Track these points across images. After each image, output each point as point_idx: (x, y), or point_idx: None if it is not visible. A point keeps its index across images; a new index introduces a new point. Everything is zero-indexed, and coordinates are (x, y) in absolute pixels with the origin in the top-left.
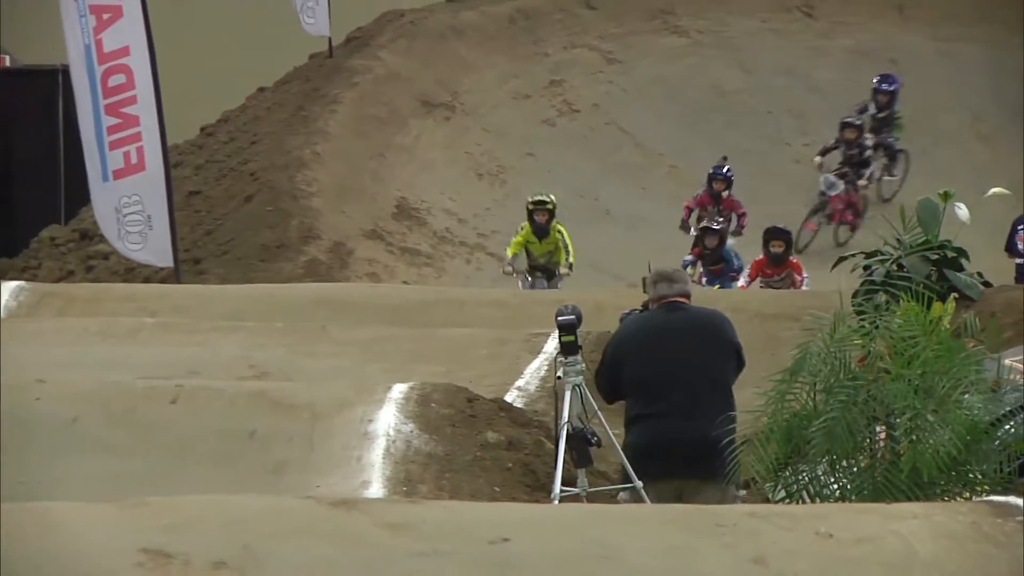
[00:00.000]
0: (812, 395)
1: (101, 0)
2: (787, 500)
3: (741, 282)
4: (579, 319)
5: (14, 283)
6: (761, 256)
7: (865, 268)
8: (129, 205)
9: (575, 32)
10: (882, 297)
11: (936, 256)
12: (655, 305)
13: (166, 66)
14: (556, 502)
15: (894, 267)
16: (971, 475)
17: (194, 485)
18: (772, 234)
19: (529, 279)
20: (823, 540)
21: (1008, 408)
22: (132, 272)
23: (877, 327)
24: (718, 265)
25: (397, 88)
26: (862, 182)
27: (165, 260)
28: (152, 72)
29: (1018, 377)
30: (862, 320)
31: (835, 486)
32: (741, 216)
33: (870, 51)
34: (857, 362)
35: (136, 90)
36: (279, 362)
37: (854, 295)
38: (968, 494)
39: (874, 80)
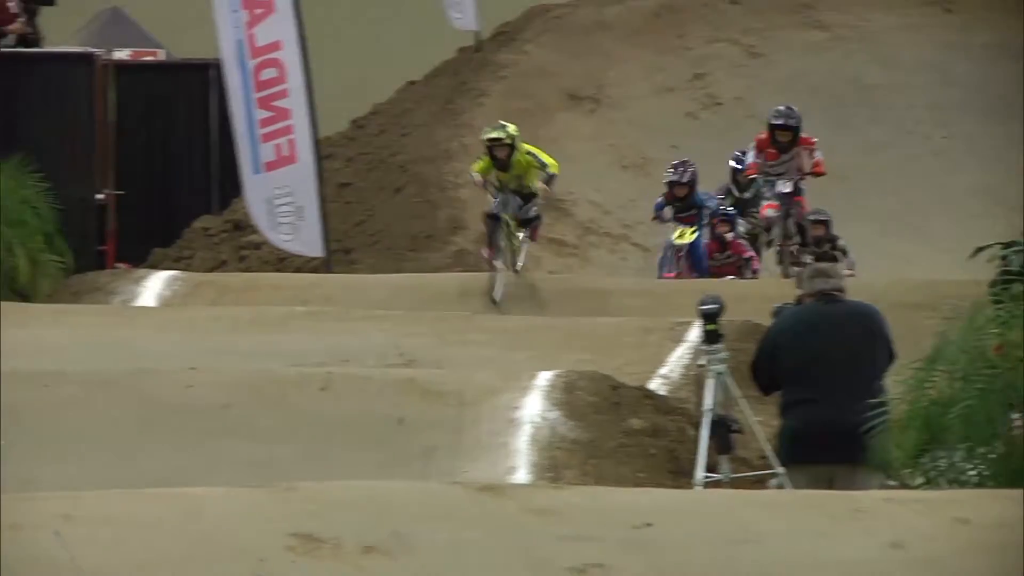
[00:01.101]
0: (950, 383)
1: None
2: (925, 486)
3: (750, 158)
4: (722, 308)
5: (169, 272)
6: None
7: (1002, 258)
8: (280, 196)
9: (718, 26)
10: (1019, 287)
11: None
12: (810, 299)
13: (317, 60)
14: (699, 488)
15: None
16: None
17: (343, 471)
18: (776, 127)
19: (491, 201)
20: (960, 525)
21: None
22: (283, 262)
23: (1014, 316)
24: (690, 212)
25: (543, 82)
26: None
27: (316, 250)
28: (303, 66)
29: None
30: (999, 309)
31: (972, 472)
32: (751, 259)
33: (1009, 45)
34: (994, 350)
35: (288, 84)
36: (427, 350)
37: (991, 284)
38: None
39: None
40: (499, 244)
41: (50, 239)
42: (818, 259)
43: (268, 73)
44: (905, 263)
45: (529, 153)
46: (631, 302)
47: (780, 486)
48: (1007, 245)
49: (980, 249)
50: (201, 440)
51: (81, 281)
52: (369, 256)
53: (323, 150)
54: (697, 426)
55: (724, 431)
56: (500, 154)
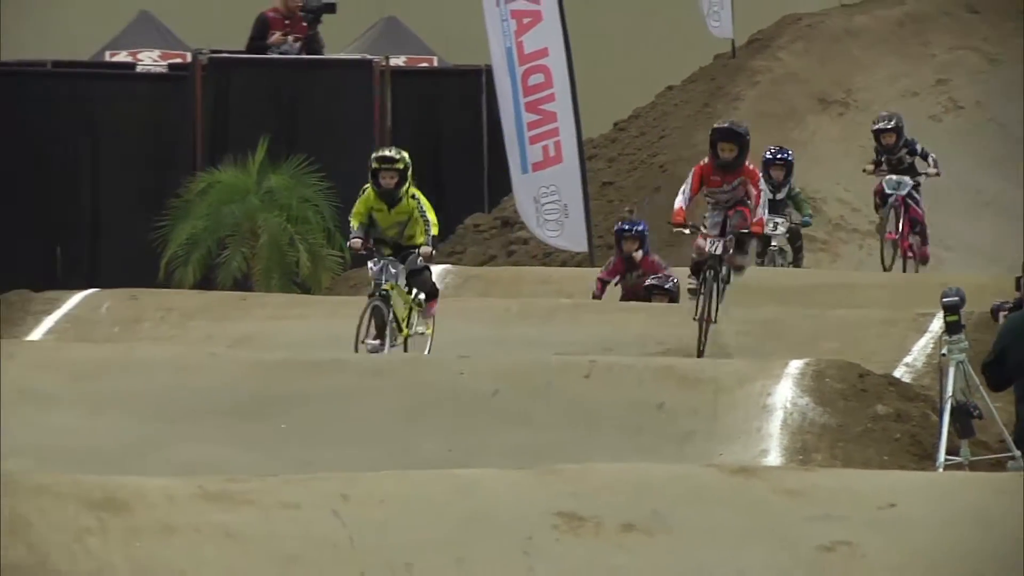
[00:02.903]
0: None
1: (522, 6)
2: None
3: (678, 203)
4: (962, 300)
5: (442, 266)
6: (707, 160)
7: None
8: (547, 195)
9: (959, 34)
10: None
11: None
12: None
13: (581, 65)
14: (940, 470)
15: None
16: None
17: (605, 454)
18: (720, 135)
19: (371, 267)
20: None
21: None
22: (549, 256)
23: None
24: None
25: (794, 87)
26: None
27: (580, 245)
28: (568, 71)
29: None
30: None
31: None
32: (666, 276)
33: None
34: None
35: (554, 88)
36: (682, 339)
37: None
38: None
39: (767, 154)
40: (384, 328)
41: (330, 235)
42: (893, 168)
43: (535, 79)
44: None
45: (414, 198)
46: (876, 294)
47: (1017, 468)
48: None
49: None
50: (471, 425)
51: (358, 275)
52: None
53: (587, 151)
54: (939, 412)
55: (965, 416)
56: (388, 182)
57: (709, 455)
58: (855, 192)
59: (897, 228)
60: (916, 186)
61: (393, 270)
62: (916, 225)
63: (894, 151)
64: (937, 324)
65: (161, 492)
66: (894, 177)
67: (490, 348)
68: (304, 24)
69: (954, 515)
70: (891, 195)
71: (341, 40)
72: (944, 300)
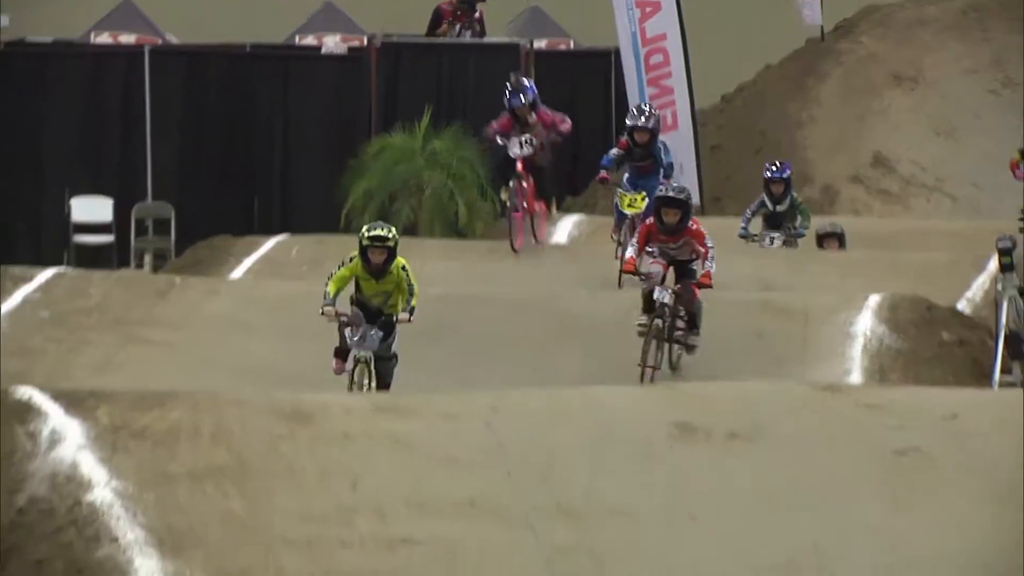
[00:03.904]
0: None
1: None
2: None
3: (629, 253)
4: (1014, 244)
5: (576, 216)
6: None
7: None
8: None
9: (1014, 21)
10: None
11: None
12: None
13: (693, 47)
14: (996, 388)
15: None
16: None
17: (713, 373)
18: (664, 202)
19: (357, 332)
20: None
21: None
22: None
23: None
24: (647, 161)
25: (874, 66)
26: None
27: (694, 199)
28: (684, 53)
29: None
30: None
31: None
32: (560, 123)
33: None
34: None
35: (671, 67)
36: (780, 277)
37: None
38: None
39: (768, 172)
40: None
41: (483, 190)
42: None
43: (656, 59)
44: None
45: (404, 269)
46: (942, 240)
47: None
48: None
49: None
50: (603, 348)
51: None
52: (735, 203)
53: (699, 120)
54: (994, 338)
55: (1017, 342)
56: (378, 259)
57: (801, 375)
58: (923, 154)
59: None
60: None
61: (369, 343)
62: None
63: None
64: (993, 265)
65: (340, 406)
66: None
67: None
68: (471, 12)
69: (1009, 425)
70: None
71: (493, 27)
72: (999, 244)
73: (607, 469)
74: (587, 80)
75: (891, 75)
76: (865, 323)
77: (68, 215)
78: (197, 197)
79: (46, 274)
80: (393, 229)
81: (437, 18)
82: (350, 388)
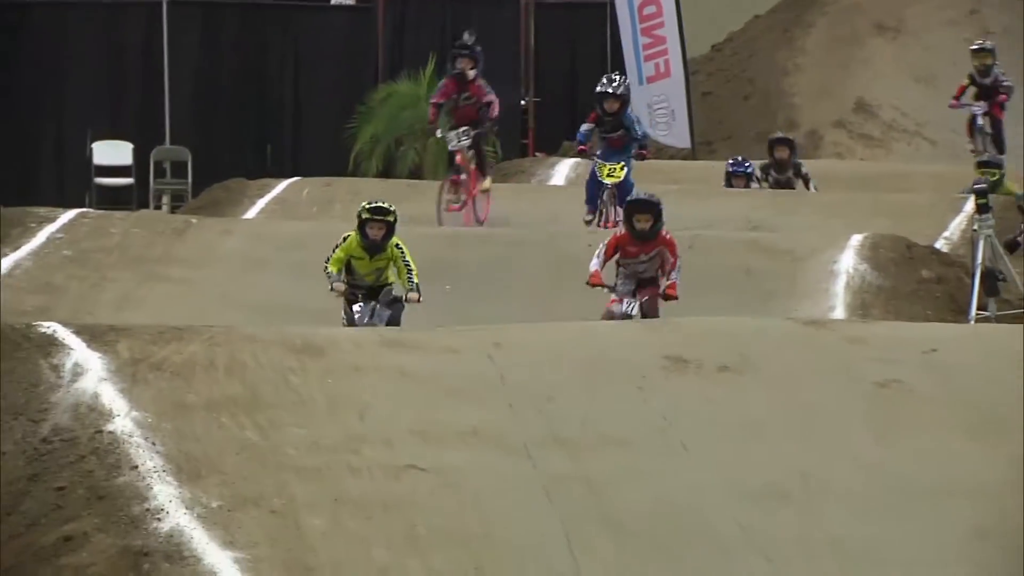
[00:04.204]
0: None
1: None
2: None
3: (594, 265)
4: (991, 187)
5: (573, 159)
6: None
7: None
8: (658, 102)
9: None
10: None
11: None
12: None
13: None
14: (972, 323)
15: None
16: None
17: (704, 309)
18: (636, 207)
19: (356, 311)
20: None
21: None
22: (660, 152)
23: None
24: (618, 132)
25: (857, 15)
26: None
27: (684, 143)
28: (676, 3)
29: None
30: None
31: None
32: (489, 105)
33: None
34: None
35: (663, 17)
36: (768, 218)
37: None
38: None
39: (729, 166)
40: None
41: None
42: (778, 184)
43: (649, 9)
44: None
45: (399, 247)
46: (922, 182)
47: None
48: None
49: None
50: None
51: (510, 166)
52: (725, 148)
53: (690, 67)
54: (971, 276)
55: (992, 279)
56: (376, 233)
57: (788, 310)
58: (904, 100)
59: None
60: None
61: (377, 319)
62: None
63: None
64: (970, 205)
65: (349, 340)
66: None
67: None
68: None
69: (984, 358)
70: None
71: None
72: (974, 187)
73: (602, 401)
74: (584, 31)
75: (874, 25)
76: (848, 261)
77: (90, 158)
78: (213, 141)
79: (69, 215)
80: (393, 206)
81: None
82: None
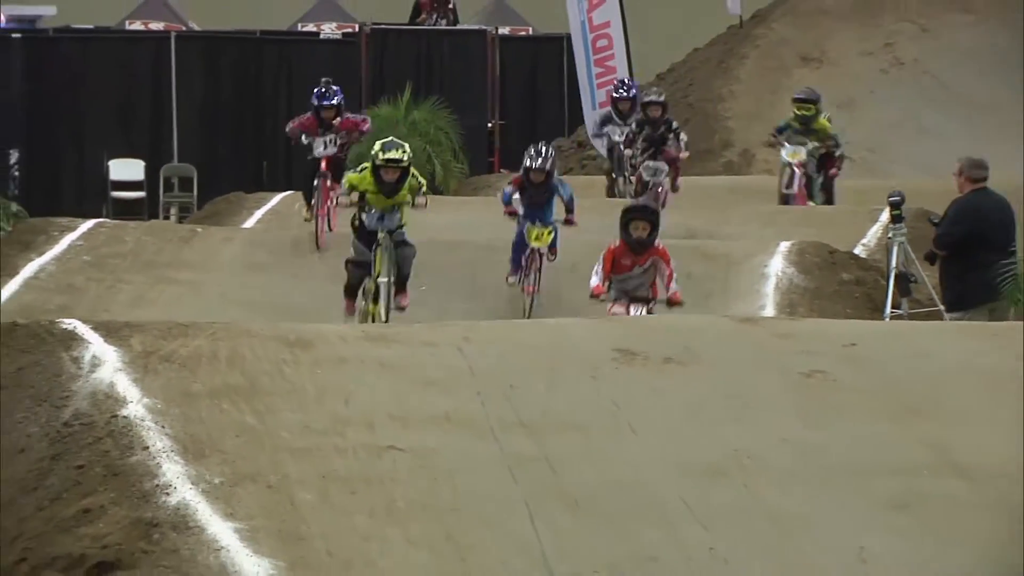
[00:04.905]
0: None
1: None
2: None
3: (594, 281)
4: (903, 199)
5: None
6: (618, 242)
7: None
8: None
9: (901, 11)
10: None
11: None
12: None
13: (633, 33)
14: (887, 320)
15: None
16: None
17: (655, 308)
18: (633, 214)
19: (372, 213)
20: None
21: None
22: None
23: None
24: (542, 196)
25: (784, 48)
26: (683, 154)
27: None
28: (624, 38)
29: None
30: None
31: None
32: (362, 121)
33: None
34: None
35: (614, 50)
36: (705, 227)
37: None
38: None
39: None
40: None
41: (456, 153)
42: (652, 141)
43: (601, 43)
44: None
45: (414, 176)
46: (843, 195)
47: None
48: None
49: None
50: (556, 287)
51: (478, 181)
52: None
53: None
54: (886, 278)
55: (905, 282)
56: (391, 177)
57: (724, 309)
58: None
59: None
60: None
61: (388, 222)
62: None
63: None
64: (885, 216)
65: (336, 334)
66: (650, 163)
67: (569, 233)
68: (445, 3)
69: (898, 350)
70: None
71: (463, 16)
72: (890, 199)
73: (560, 389)
74: (544, 61)
75: (799, 56)
76: (777, 265)
77: (106, 174)
78: (215, 159)
79: (88, 224)
80: (407, 148)
81: (417, 9)
82: (365, 311)
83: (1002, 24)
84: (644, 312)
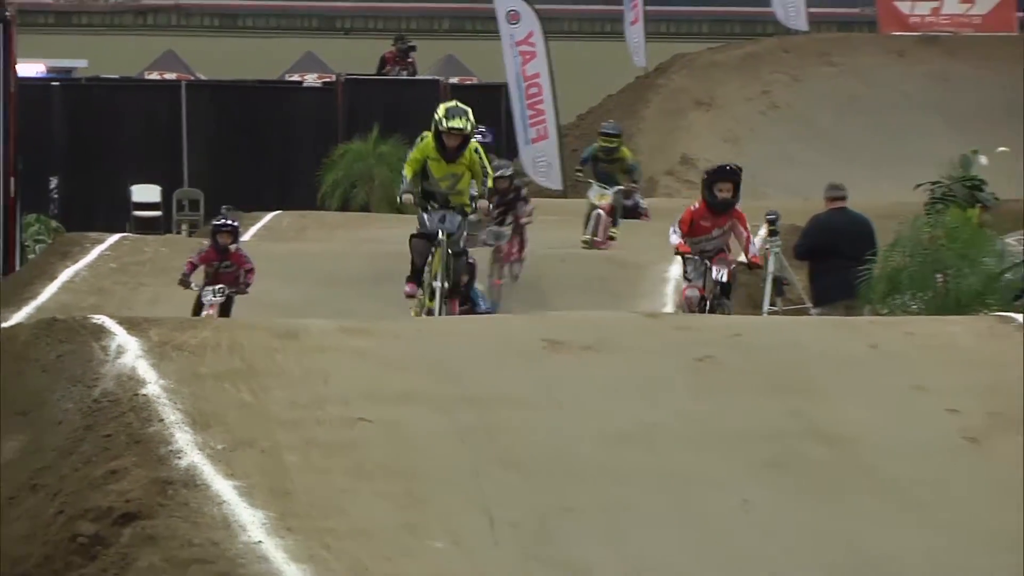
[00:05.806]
0: (903, 257)
1: (525, 48)
2: (889, 314)
3: (675, 239)
4: (778, 216)
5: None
6: (699, 203)
7: (931, 190)
8: (540, 157)
9: (777, 64)
10: (940, 206)
11: (969, 184)
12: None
13: (559, 81)
14: (765, 314)
15: (948, 189)
16: (988, 302)
17: (574, 305)
18: (718, 175)
19: (433, 212)
20: (909, 336)
21: (1008, 264)
22: (541, 192)
23: (937, 222)
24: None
25: (682, 94)
26: (525, 219)
27: (558, 186)
28: (551, 86)
29: (1016, 248)
30: (929, 217)
31: (914, 307)
32: (248, 272)
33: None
34: (928, 240)
35: (543, 95)
36: (620, 239)
37: (926, 204)
38: (987, 311)
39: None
40: (424, 277)
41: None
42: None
43: (532, 90)
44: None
45: (476, 152)
46: None
47: (816, 314)
48: (935, 183)
49: (919, 185)
50: (508, 294)
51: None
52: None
53: (562, 131)
54: (764, 281)
55: (779, 284)
56: (452, 143)
57: (633, 306)
58: (714, 155)
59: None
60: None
61: (449, 223)
62: None
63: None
64: (764, 231)
65: (318, 328)
66: (494, 228)
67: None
68: (406, 58)
69: (776, 340)
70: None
71: (421, 68)
72: (767, 216)
73: (501, 371)
74: (486, 105)
75: (694, 101)
76: (675, 271)
77: (129, 197)
78: (219, 185)
79: (114, 238)
80: (470, 115)
81: (383, 62)
82: (420, 305)
83: (857, 74)
84: (725, 273)
